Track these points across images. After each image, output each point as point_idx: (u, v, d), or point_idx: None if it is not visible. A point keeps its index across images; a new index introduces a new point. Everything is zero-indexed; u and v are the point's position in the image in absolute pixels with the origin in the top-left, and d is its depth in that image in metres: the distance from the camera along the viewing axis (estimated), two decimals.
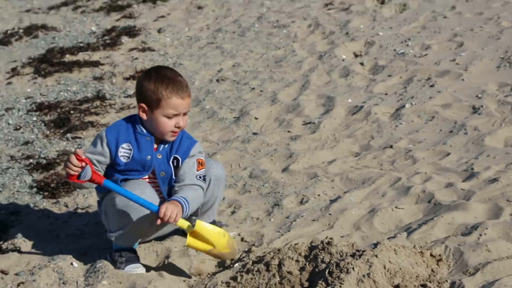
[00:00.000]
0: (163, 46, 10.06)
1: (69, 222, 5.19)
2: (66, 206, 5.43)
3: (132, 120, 4.37)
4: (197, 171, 4.42)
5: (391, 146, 5.95)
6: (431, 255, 4.21)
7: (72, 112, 7.57)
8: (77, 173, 4.11)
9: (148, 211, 4.23)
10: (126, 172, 4.36)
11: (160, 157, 4.37)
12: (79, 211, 5.33)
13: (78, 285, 4.31)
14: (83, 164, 4.10)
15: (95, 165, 4.28)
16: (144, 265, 4.45)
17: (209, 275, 4.39)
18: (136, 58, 9.53)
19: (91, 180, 4.18)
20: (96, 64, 9.39)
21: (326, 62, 8.38)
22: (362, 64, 8.14)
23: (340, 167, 5.71)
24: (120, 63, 9.36)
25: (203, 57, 9.31)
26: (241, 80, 8.19)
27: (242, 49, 9.41)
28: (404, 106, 6.69)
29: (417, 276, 3.98)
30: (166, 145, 4.39)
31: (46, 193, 5.62)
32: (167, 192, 4.46)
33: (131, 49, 10.00)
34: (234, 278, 4.24)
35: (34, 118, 7.45)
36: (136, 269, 4.39)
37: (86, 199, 5.49)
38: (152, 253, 4.62)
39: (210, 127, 6.94)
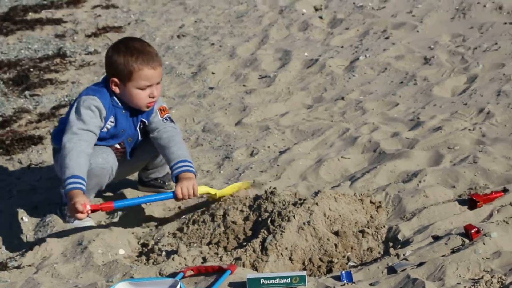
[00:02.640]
0: (126, 3, 10.03)
1: (22, 178, 5.24)
2: (20, 162, 5.48)
3: (109, 92, 4.30)
4: (161, 117, 4.45)
5: (342, 98, 6.03)
6: (370, 202, 4.32)
7: (31, 69, 7.58)
8: None
9: (110, 167, 4.31)
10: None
11: (128, 124, 4.41)
12: (33, 167, 5.38)
13: (27, 239, 4.38)
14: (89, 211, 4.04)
15: (96, 136, 4.25)
16: (93, 218, 4.51)
17: (157, 227, 4.48)
18: (99, 16, 9.51)
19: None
20: (58, 22, 9.36)
21: (286, 16, 8.42)
22: (321, 17, 8.18)
23: (292, 119, 5.79)
24: (83, 20, 9.34)
25: (166, 13, 9.31)
26: (202, 36, 8.22)
27: (204, 5, 9.42)
28: (358, 59, 6.76)
29: (356, 223, 4.09)
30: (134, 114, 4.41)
31: (1, 150, 5.67)
32: (130, 152, 4.52)
33: (95, 7, 9.96)
34: (180, 229, 4.34)
35: None
36: (85, 222, 4.44)
37: (40, 155, 5.54)
38: None
39: (168, 82, 6.98)
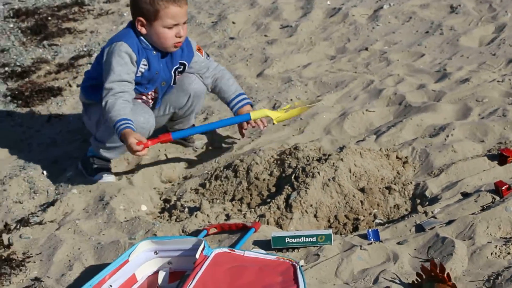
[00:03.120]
0: None
1: (42, 130, 5.18)
2: (40, 114, 5.41)
3: (136, 34, 4.21)
4: (202, 55, 4.48)
5: (366, 49, 5.90)
6: (397, 157, 4.23)
7: (49, 18, 7.47)
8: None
9: (149, 129, 4.27)
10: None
11: (161, 66, 4.32)
12: (52, 119, 5.31)
13: (48, 194, 4.34)
14: (149, 144, 4.05)
15: (132, 83, 4.19)
16: (115, 173, 4.45)
17: (179, 183, 4.41)
18: None
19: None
20: None
21: None
22: None
23: (315, 70, 5.67)
24: None
25: None
26: None
27: None
28: (382, 7, 6.61)
29: (382, 179, 4.01)
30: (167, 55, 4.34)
31: (20, 102, 5.59)
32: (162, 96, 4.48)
33: None
34: (203, 185, 4.27)
35: (11, 25, 7.35)
36: (107, 177, 4.39)
37: (60, 108, 5.47)
38: (123, 161, 4.62)
39: (188, 32, 6.82)
